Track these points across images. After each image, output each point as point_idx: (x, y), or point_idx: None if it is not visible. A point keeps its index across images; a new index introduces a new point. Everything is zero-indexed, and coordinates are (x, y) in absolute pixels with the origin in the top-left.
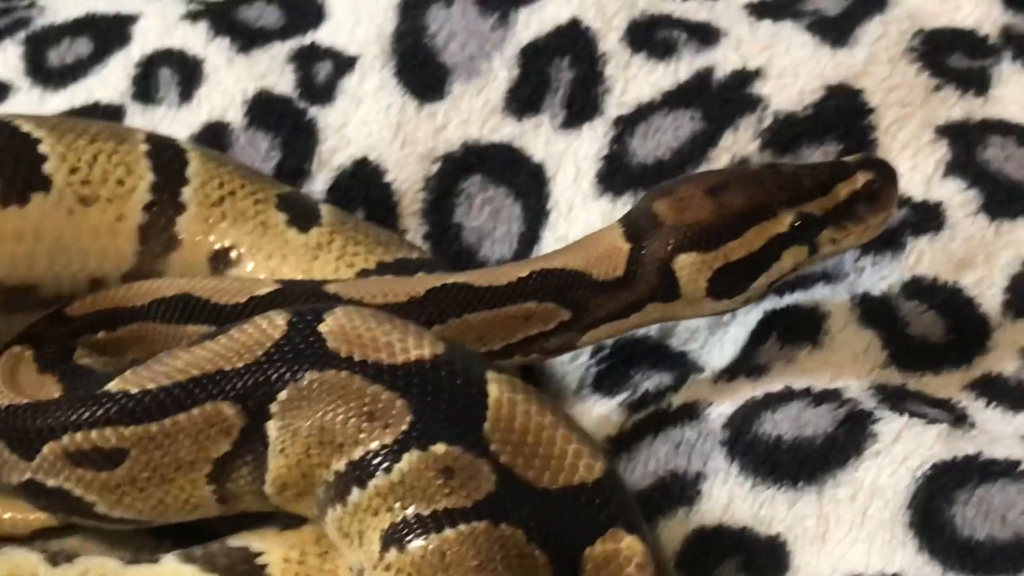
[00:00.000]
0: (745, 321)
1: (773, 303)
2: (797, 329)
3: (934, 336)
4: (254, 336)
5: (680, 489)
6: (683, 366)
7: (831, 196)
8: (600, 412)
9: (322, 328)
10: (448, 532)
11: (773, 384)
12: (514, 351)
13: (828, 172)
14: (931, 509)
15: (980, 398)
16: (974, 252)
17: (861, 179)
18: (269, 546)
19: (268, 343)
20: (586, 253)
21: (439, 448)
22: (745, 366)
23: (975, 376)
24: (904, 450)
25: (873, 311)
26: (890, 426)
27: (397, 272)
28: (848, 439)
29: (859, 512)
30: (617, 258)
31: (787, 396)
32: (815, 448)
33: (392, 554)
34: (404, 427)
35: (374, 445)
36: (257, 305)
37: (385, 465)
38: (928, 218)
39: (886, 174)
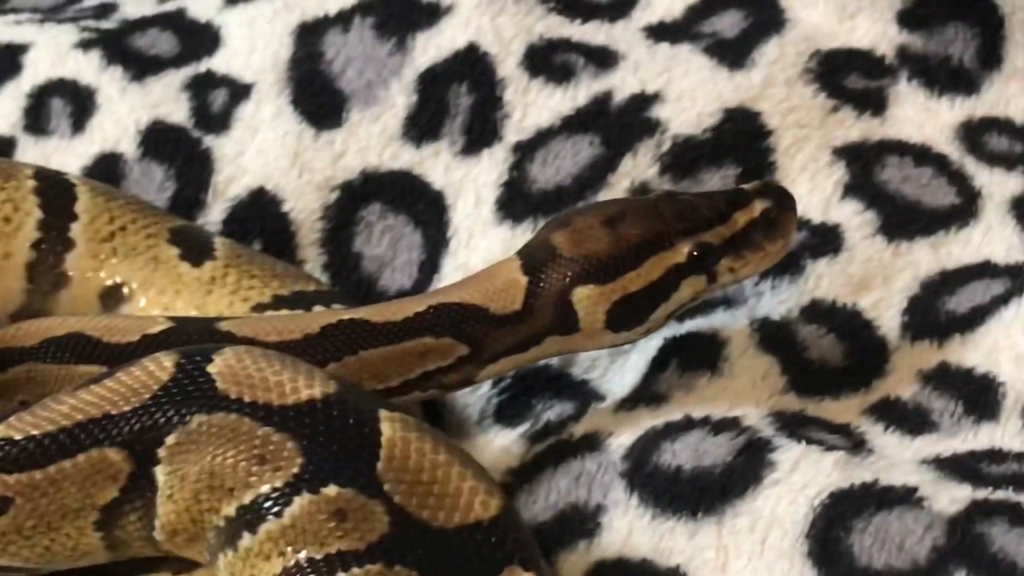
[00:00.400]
0: (645, 348)
1: (673, 330)
2: (696, 356)
3: (833, 360)
4: (141, 379)
5: (580, 522)
6: (584, 395)
7: (729, 225)
8: (501, 443)
9: (211, 369)
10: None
11: (673, 413)
12: (413, 387)
13: (725, 200)
14: (829, 538)
15: (879, 422)
16: (872, 274)
17: (759, 207)
18: None
19: (155, 386)
20: (483, 287)
21: (331, 490)
22: (645, 395)
23: (873, 400)
24: (802, 478)
25: (772, 336)
26: (788, 454)
27: (293, 305)
28: (747, 468)
29: (758, 542)
30: (515, 291)
31: (686, 425)
32: (714, 478)
33: None
34: (295, 469)
35: (265, 489)
36: (150, 344)
37: (276, 509)
38: (827, 241)
39: (784, 201)
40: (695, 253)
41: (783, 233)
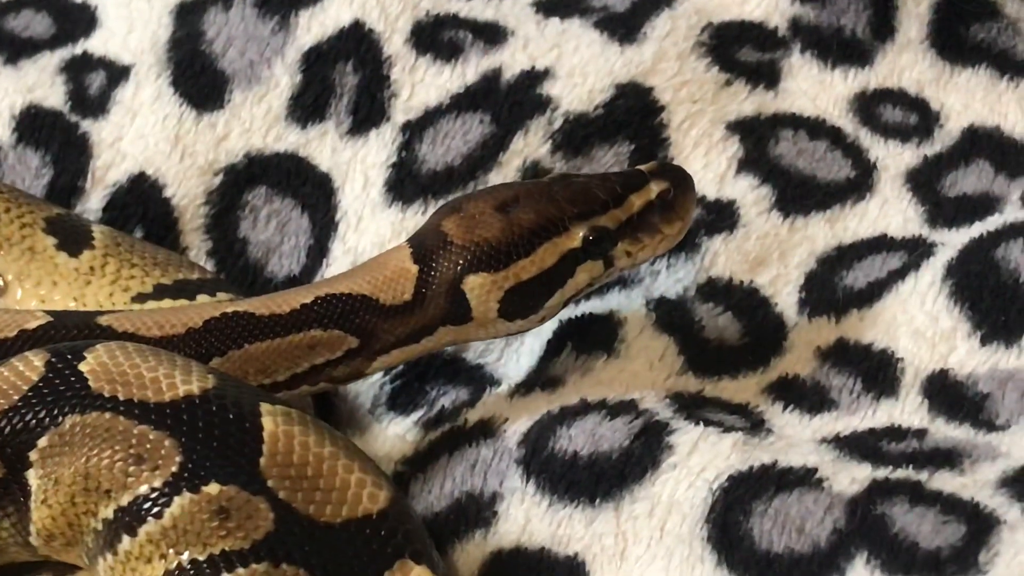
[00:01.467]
0: (541, 332)
1: (569, 312)
2: (593, 339)
3: (730, 339)
4: (10, 380)
5: (476, 511)
6: (479, 380)
7: (624, 208)
8: (395, 431)
9: (83, 367)
10: None
11: (569, 397)
12: (301, 381)
13: (621, 182)
14: (728, 522)
15: (777, 402)
16: (768, 250)
17: (655, 188)
18: None
19: (25, 386)
20: (373, 276)
21: (212, 488)
22: (541, 379)
23: (772, 379)
24: (700, 462)
25: (668, 316)
26: (686, 437)
27: (177, 295)
28: (644, 453)
29: (657, 528)
30: (405, 281)
31: (582, 410)
32: (611, 463)
33: None
34: (174, 468)
35: (143, 489)
36: (27, 340)
37: (155, 510)
38: (722, 217)
39: (681, 182)
40: (590, 238)
41: (681, 215)
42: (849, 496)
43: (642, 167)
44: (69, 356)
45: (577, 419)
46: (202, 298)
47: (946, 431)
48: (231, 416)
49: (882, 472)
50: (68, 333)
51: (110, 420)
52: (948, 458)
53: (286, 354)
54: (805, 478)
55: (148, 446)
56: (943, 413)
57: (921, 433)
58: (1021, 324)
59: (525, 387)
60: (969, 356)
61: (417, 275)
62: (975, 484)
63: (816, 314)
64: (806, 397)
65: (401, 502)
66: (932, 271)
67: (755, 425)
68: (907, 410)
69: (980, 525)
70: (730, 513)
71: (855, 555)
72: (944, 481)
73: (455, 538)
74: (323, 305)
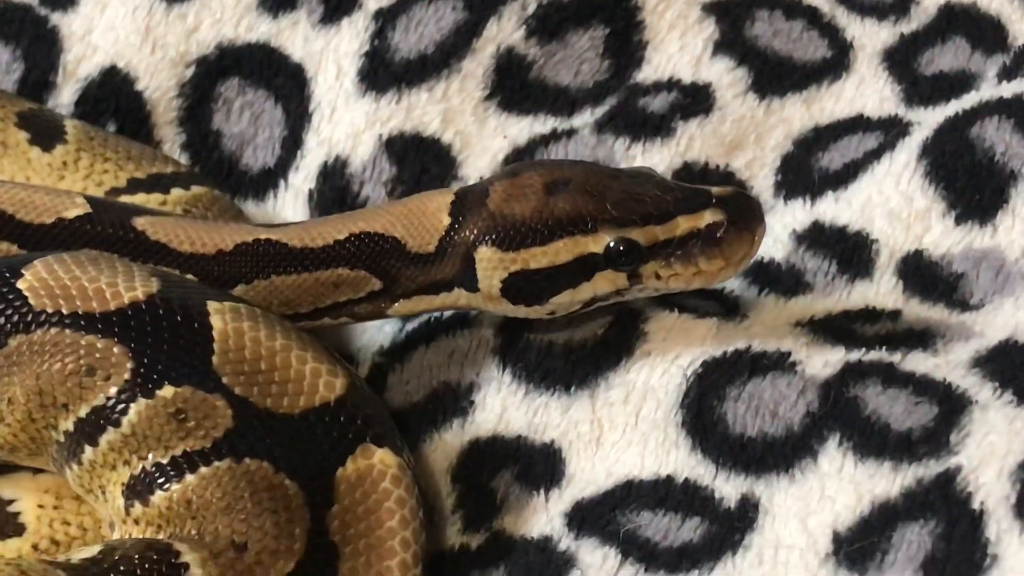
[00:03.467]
0: None
1: None
2: None
3: None
4: None
5: (454, 400)
6: None
7: (666, 227)
8: (374, 323)
9: (22, 285)
10: (190, 477)
11: None
12: (323, 314)
13: (677, 199)
14: (703, 407)
15: (753, 285)
16: (745, 133)
17: (708, 217)
18: (22, 492)
19: None
20: (409, 219)
21: (167, 391)
22: None
23: (751, 264)
24: (675, 348)
25: None
26: (660, 324)
27: (150, 189)
28: (619, 340)
29: (632, 414)
30: (434, 231)
31: None
32: (586, 351)
33: (137, 508)
34: (126, 376)
35: (98, 400)
36: (64, 231)
37: (113, 418)
38: (698, 101)
39: (742, 220)
40: (613, 246)
41: (726, 255)
42: (822, 379)
43: (715, 189)
44: (7, 274)
45: None
46: (176, 192)
47: (920, 312)
48: (179, 318)
49: (855, 355)
50: (104, 230)
51: (56, 335)
52: (922, 339)
53: (311, 289)
54: (779, 362)
55: (98, 356)
56: (917, 294)
57: (895, 314)
58: (995, 203)
59: None
60: (944, 236)
61: (445, 228)
62: (948, 365)
63: (792, 197)
64: (781, 280)
65: (359, 388)
66: (907, 151)
67: (730, 310)
68: (882, 291)
69: (952, 406)
70: (704, 398)
71: (828, 438)
72: (917, 362)
73: (432, 428)
74: (354, 243)
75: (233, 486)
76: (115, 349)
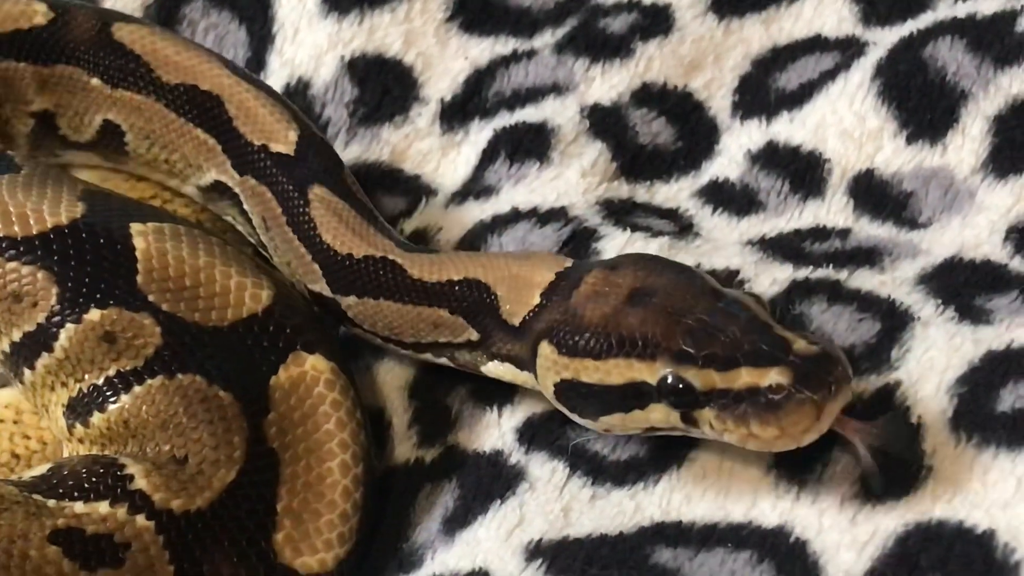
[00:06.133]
0: (477, 141)
1: (504, 120)
2: (526, 147)
3: (664, 144)
4: None
5: None
6: (416, 190)
7: (727, 376)
8: None
9: None
10: (125, 397)
11: (501, 205)
12: (425, 349)
13: (753, 344)
14: None
15: (707, 205)
16: (703, 54)
17: (774, 377)
18: None
19: None
20: (513, 283)
21: (94, 315)
22: (475, 188)
23: (703, 183)
24: None
25: (602, 122)
26: (613, 243)
27: None
28: (573, 258)
29: None
30: (524, 306)
31: (513, 217)
32: None
33: (79, 428)
34: (52, 301)
35: (29, 326)
36: None
37: (45, 343)
38: (657, 21)
39: (810, 389)
40: (669, 383)
41: (783, 424)
42: (769, 296)
43: (801, 343)
44: None
45: (508, 227)
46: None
47: (869, 230)
48: (101, 240)
49: (803, 272)
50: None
51: None
52: (869, 257)
53: (412, 322)
54: (727, 279)
55: (23, 282)
56: (867, 212)
57: (845, 233)
58: (946, 122)
59: (460, 196)
60: (895, 155)
61: (532, 308)
62: (893, 282)
63: (748, 117)
64: (735, 200)
65: (287, 299)
66: (862, 71)
67: (684, 229)
68: (832, 210)
69: (895, 322)
70: None
71: None
72: (863, 279)
73: (382, 352)
74: (462, 288)
75: (168, 402)
76: (39, 275)
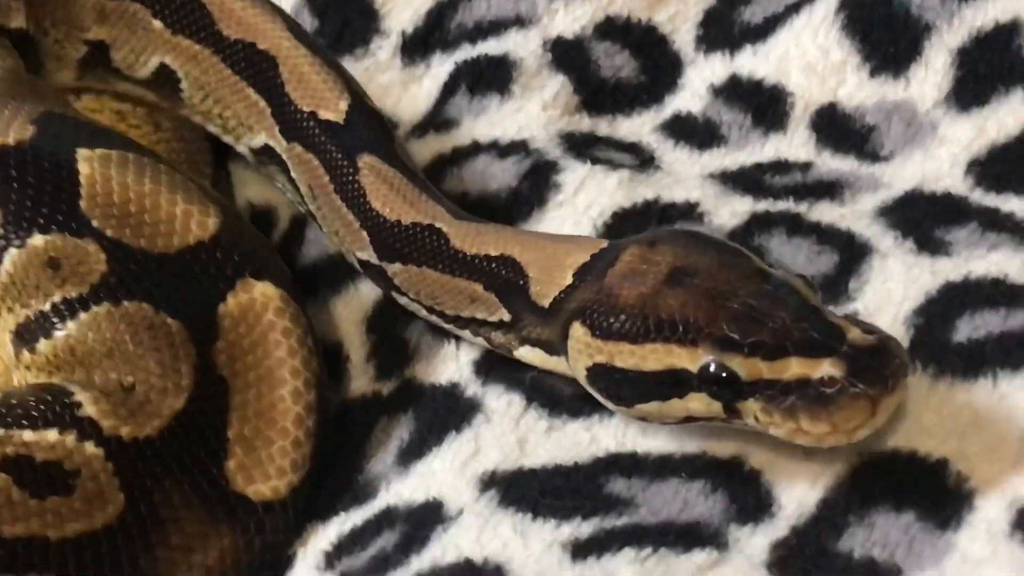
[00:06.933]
0: (438, 74)
1: (465, 53)
2: (487, 79)
3: (627, 78)
4: None
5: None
6: None
7: (775, 366)
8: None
9: None
10: (71, 324)
11: (461, 138)
12: (465, 325)
13: (804, 332)
14: None
15: (669, 138)
16: None
17: (827, 369)
18: None
19: None
20: (546, 263)
21: (37, 240)
22: (436, 120)
23: (666, 116)
24: (586, 199)
25: (565, 55)
26: (573, 176)
27: None
28: (532, 191)
29: None
30: (554, 287)
31: (473, 150)
32: (501, 203)
33: (26, 355)
34: None
35: None
36: None
37: None
38: None
39: (865, 383)
40: (711, 371)
41: (835, 420)
42: (728, 229)
43: (856, 332)
44: None
45: (468, 160)
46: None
47: (831, 164)
48: (46, 165)
49: (763, 205)
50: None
51: None
52: (830, 190)
53: (451, 293)
54: (687, 212)
55: None
56: (830, 146)
57: (806, 166)
58: (910, 55)
59: (421, 129)
60: (858, 88)
61: (564, 289)
62: (853, 214)
63: (712, 51)
64: (697, 133)
65: (235, 226)
66: (826, 4)
67: (645, 162)
68: (795, 144)
69: (853, 254)
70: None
71: None
72: (823, 212)
73: (349, 280)
74: (497, 264)
75: (114, 330)
76: None
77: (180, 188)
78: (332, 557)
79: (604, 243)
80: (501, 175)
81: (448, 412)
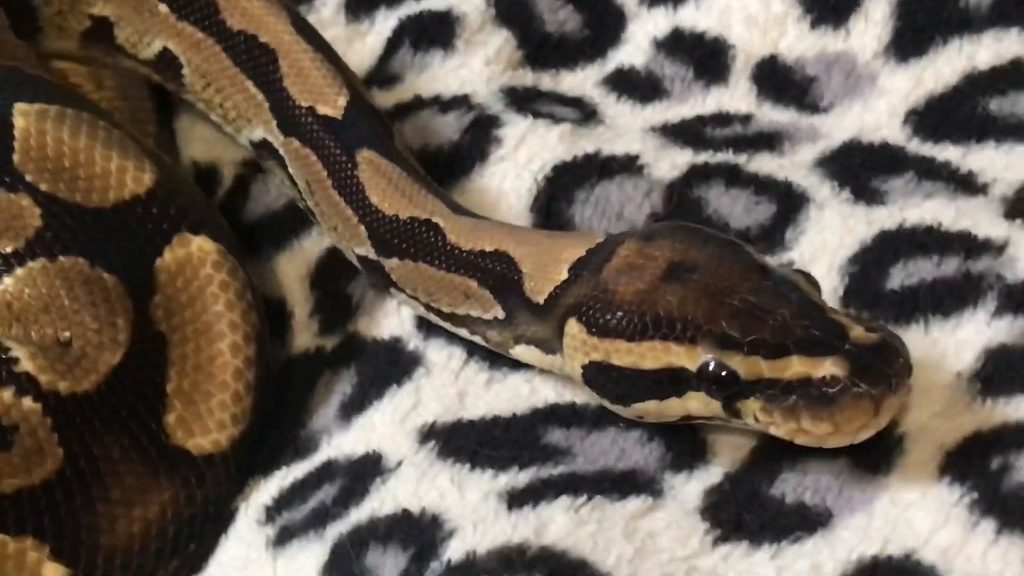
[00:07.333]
0: (381, 30)
1: (409, 8)
2: (431, 35)
3: (571, 32)
4: None
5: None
6: None
7: (776, 364)
8: (232, 133)
9: None
10: (7, 280)
11: (404, 94)
12: (461, 323)
13: (805, 330)
14: (552, 210)
15: (612, 92)
16: None
17: (830, 368)
18: None
19: None
20: (540, 258)
21: None
22: (380, 76)
23: (609, 71)
24: (528, 153)
25: (509, 10)
26: (515, 130)
27: None
28: (474, 145)
29: (488, 216)
30: (549, 282)
31: (416, 105)
32: (443, 157)
33: None
34: None
35: None
36: None
37: None
38: None
39: (868, 382)
40: (710, 370)
41: (837, 420)
42: (668, 181)
43: (858, 331)
44: None
45: (410, 114)
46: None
47: (772, 115)
48: None
49: (702, 157)
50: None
51: None
52: (770, 141)
53: (446, 289)
54: (627, 165)
55: None
56: (770, 98)
57: (747, 118)
58: (850, 6)
59: (365, 85)
60: (799, 40)
61: (559, 284)
62: (792, 165)
63: (655, 4)
64: (639, 87)
65: (172, 181)
66: None
67: (588, 116)
68: (736, 96)
69: (790, 204)
70: (554, 202)
71: None
72: (762, 163)
73: (292, 235)
74: (491, 259)
75: (49, 285)
76: None
77: (116, 144)
78: (273, 511)
79: (601, 238)
80: (443, 130)
81: (390, 366)
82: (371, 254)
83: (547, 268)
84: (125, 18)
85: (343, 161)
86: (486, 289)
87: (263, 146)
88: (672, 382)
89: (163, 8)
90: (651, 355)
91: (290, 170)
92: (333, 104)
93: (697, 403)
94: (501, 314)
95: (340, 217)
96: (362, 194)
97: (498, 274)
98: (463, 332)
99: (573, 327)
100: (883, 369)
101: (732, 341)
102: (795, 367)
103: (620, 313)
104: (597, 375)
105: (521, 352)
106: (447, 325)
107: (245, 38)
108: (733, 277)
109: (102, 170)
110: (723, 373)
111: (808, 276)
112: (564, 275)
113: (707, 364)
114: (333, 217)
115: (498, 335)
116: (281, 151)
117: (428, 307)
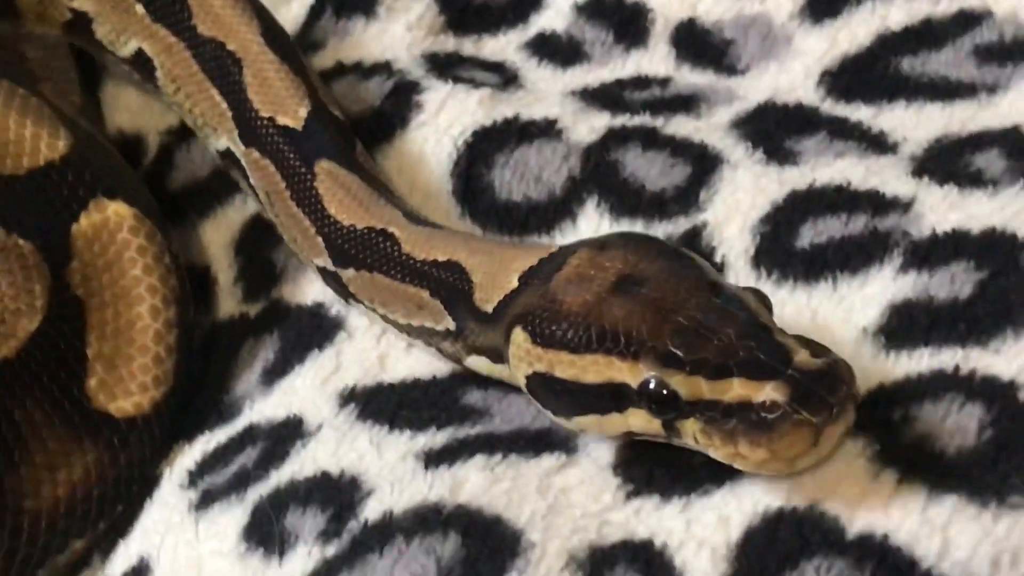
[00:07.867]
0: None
1: None
2: (354, 1)
3: None
4: None
5: (235, 183)
6: None
7: (716, 386)
8: (158, 102)
9: None
10: None
11: (326, 60)
12: (417, 335)
13: (749, 352)
14: (472, 175)
15: (533, 57)
16: None
17: (769, 393)
18: None
19: None
20: (491, 267)
21: None
22: (303, 42)
23: (530, 35)
24: (448, 119)
25: None
26: (435, 95)
27: None
28: (394, 111)
29: (407, 184)
30: (499, 291)
31: (338, 72)
32: (364, 123)
33: None
34: None
35: None
36: None
37: None
38: None
39: (808, 409)
40: (651, 388)
41: (774, 447)
42: (586, 144)
43: (803, 356)
44: None
45: (333, 81)
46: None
47: (690, 78)
48: None
49: (620, 120)
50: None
51: None
52: (687, 104)
53: (402, 300)
54: (546, 129)
55: None
56: (688, 61)
57: (665, 81)
58: None
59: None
60: (716, 3)
61: (508, 293)
62: (708, 127)
63: None
64: (561, 52)
65: (87, 147)
66: None
67: (509, 81)
68: (655, 59)
69: (705, 166)
70: (473, 167)
71: (586, 200)
72: (679, 126)
73: (216, 203)
74: (442, 269)
75: None
76: None
77: (32, 111)
78: (195, 475)
79: (555, 248)
80: (364, 96)
81: (312, 331)
82: (329, 265)
83: (497, 277)
84: (103, 15)
85: (302, 172)
86: (437, 300)
87: (226, 155)
88: (614, 397)
89: (139, 8)
90: (593, 369)
91: (251, 181)
92: (293, 115)
93: (638, 420)
94: (452, 325)
95: (298, 228)
96: (320, 205)
97: (449, 284)
98: (420, 344)
99: (519, 336)
100: (825, 397)
101: (675, 359)
102: (736, 390)
103: (565, 324)
104: (540, 386)
105: (473, 362)
106: (404, 336)
107: (214, 45)
108: (681, 292)
109: (16, 136)
110: (663, 392)
111: (759, 293)
112: (514, 284)
113: (648, 382)
114: (292, 228)
115: (451, 346)
116: (243, 161)
117: (385, 319)
